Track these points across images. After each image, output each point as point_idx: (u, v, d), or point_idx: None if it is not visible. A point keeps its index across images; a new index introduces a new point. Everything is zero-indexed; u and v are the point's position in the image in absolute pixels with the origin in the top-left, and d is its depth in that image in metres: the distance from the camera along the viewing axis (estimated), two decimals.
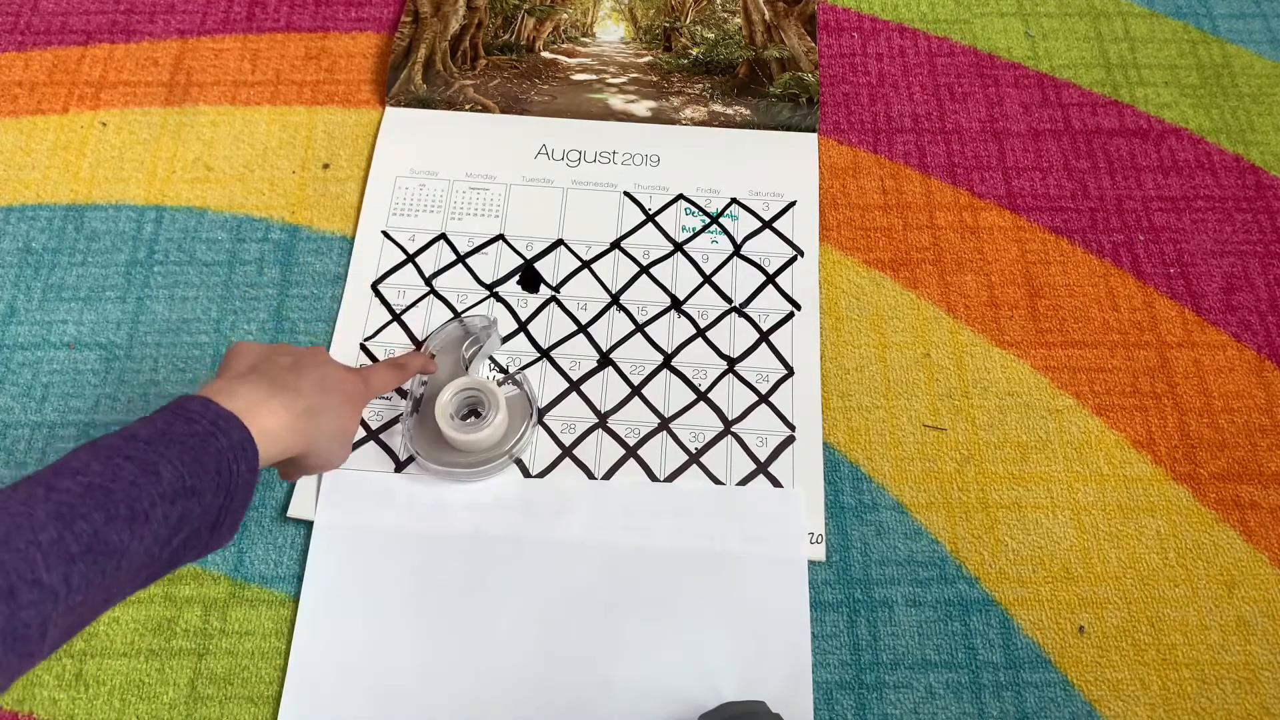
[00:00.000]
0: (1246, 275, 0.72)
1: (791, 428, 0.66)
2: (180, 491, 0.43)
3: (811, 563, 0.62)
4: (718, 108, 0.77)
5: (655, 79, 0.79)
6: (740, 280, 0.71)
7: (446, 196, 0.74)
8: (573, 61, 0.80)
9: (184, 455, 0.44)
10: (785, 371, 0.68)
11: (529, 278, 0.71)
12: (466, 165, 0.75)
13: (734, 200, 0.74)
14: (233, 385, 0.49)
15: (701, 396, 0.67)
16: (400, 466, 0.64)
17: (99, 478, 0.42)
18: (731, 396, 0.67)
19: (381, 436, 0.65)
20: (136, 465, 0.43)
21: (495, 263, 0.71)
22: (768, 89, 0.78)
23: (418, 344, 0.68)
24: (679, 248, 0.72)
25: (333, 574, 0.61)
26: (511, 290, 0.70)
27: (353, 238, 0.72)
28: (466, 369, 0.64)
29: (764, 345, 0.68)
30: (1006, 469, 0.65)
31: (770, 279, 0.71)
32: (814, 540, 0.62)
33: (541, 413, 0.66)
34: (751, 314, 0.70)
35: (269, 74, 0.80)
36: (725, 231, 0.73)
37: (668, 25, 0.82)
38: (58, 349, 0.69)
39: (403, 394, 0.66)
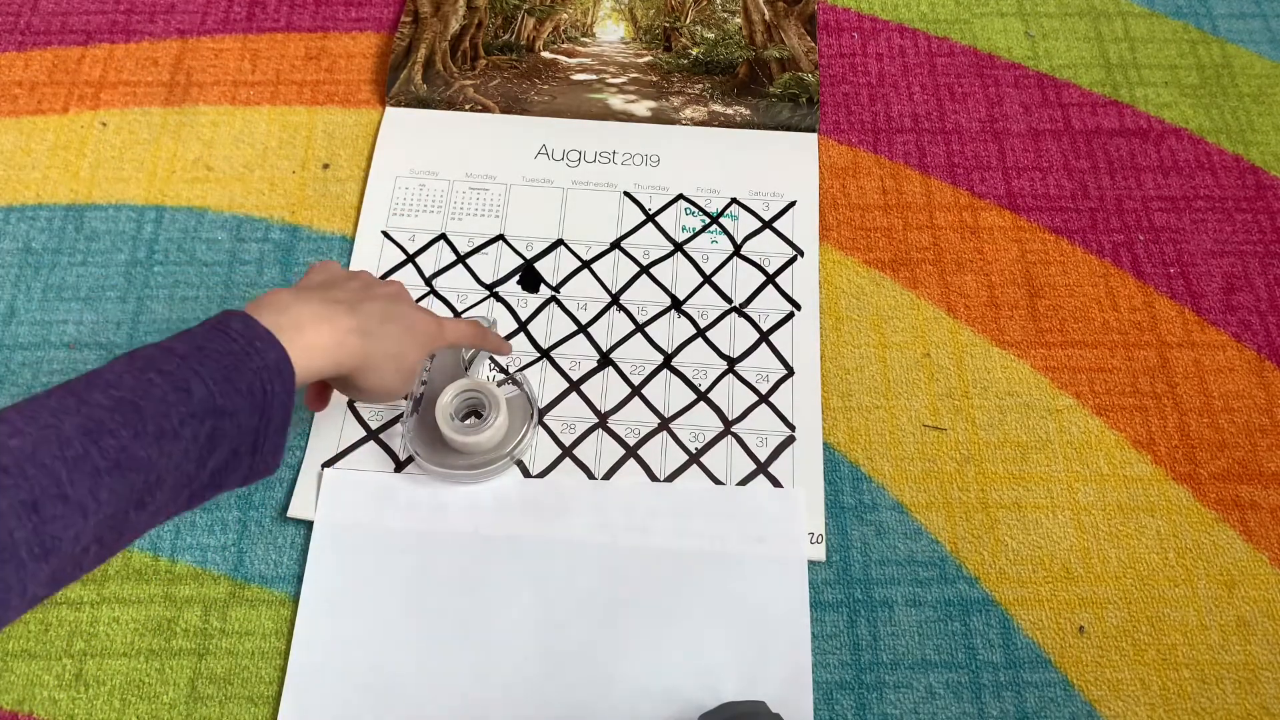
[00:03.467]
0: (1246, 275, 0.72)
1: (791, 428, 0.66)
2: (210, 410, 0.43)
3: (811, 563, 0.62)
4: (718, 108, 0.77)
5: (655, 79, 0.79)
6: (740, 280, 0.71)
7: (446, 197, 0.74)
8: (573, 61, 0.80)
9: (217, 374, 0.44)
10: (785, 371, 0.68)
11: (529, 278, 0.71)
12: (466, 165, 0.75)
13: (734, 200, 0.74)
14: (284, 299, 0.49)
15: (701, 396, 0.67)
16: (400, 467, 0.64)
17: (130, 393, 0.42)
18: (731, 396, 0.67)
19: (381, 437, 0.65)
20: (168, 381, 0.43)
21: (495, 263, 0.71)
22: (768, 89, 0.78)
23: None
24: (679, 248, 0.72)
25: (333, 574, 0.61)
26: (511, 290, 0.70)
27: (353, 238, 0.73)
28: (466, 370, 0.64)
29: (764, 345, 0.68)
30: (1006, 469, 0.65)
31: (770, 279, 0.71)
32: (814, 540, 0.62)
33: (542, 413, 0.66)
34: (751, 314, 0.70)
35: (269, 74, 0.80)
36: (725, 231, 0.73)
37: (668, 25, 0.82)
38: (58, 349, 0.69)
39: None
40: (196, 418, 0.43)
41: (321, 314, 0.50)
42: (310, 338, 0.48)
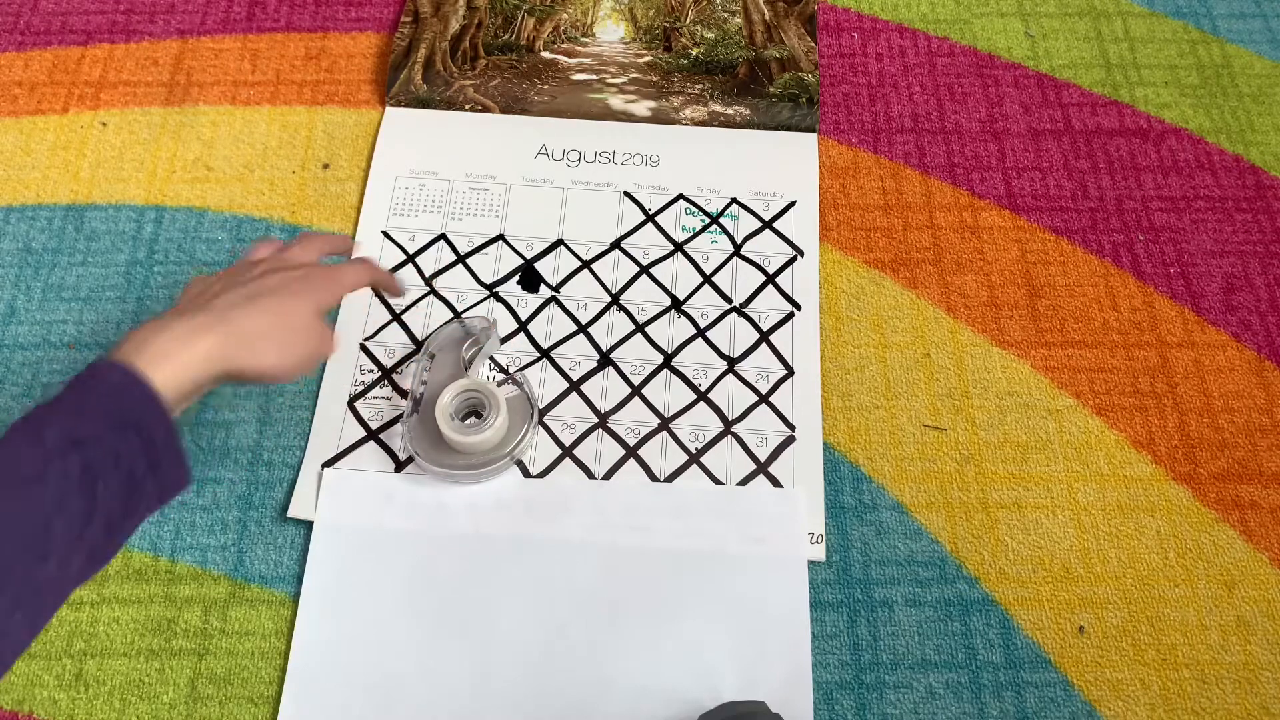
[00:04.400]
0: (1246, 275, 0.72)
1: (791, 428, 0.66)
2: (69, 443, 0.44)
3: (811, 563, 0.62)
4: (718, 108, 0.77)
5: (655, 79, 0.79)
6: (740, 280, 0.71)
7: (446, 197, 0.74)
8: (573, 61, 0.80)
9: (67, 409, 0.45)
10: (785, 371, 0.68)
11: (529, 278, 0.71)
12: (466, 165, 0.75)
13: (734, 200, 0.74)
14: (131, 333, 0.49)
15: (701, 396, 0.67)
16: (400, 467, 0.64)
17: None
18: (731, 396, 0.67)
19: (381, 437, 0.65)
20: (21, 436, 0.44)
21: (495, 263, 0.71)
22: (768, 89, 0.78)
23: (418, 344, 0.68)
24: (679, 248, 0.72)
25: (333, 574, 0.61)
26: (511, 290, 0.70)
27: (353, 238, 0.72)
28: (466, 370, 0.64)
29: (764, 345, 0.68)
30: (1006, 469, 0.65)
31: (770, 279, 0.71)
32: (814, 540, 0.62)
33: (542, 413, 0.66)
34: (751, 314, 0.70)
35: (269, 74, 0.80)
36: (725, 231, 0.73)
37: (668, 25, 0.82)
38: (58, 349, 0.69)
39: (403, 394, 0.66)
40: (59, 455, 0.43)
41: (162, 324, 0.50)
42: (154, 348, 0.48)
